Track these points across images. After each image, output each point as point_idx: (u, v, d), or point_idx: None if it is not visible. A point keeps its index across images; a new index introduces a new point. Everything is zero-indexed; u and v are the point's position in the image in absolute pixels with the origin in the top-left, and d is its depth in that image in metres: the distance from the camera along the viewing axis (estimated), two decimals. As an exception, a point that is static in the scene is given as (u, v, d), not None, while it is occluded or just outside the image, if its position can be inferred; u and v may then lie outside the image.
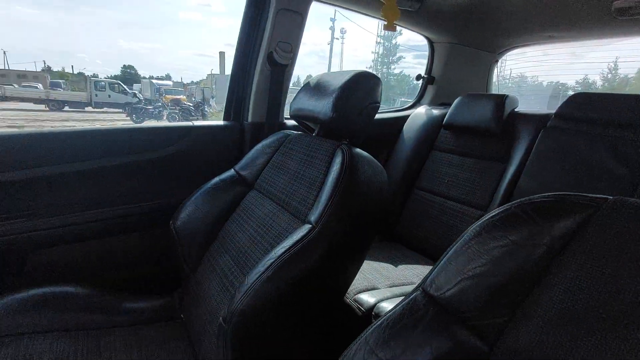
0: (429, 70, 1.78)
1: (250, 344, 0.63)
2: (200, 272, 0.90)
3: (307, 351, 0.70)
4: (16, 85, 16.11)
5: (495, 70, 1.83)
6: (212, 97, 16.43)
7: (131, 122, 11.60)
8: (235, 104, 1.27)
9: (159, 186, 1.13)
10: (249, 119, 1.25)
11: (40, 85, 17.19)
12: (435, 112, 1.51)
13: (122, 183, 1.07)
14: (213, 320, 0.77)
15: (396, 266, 1.17)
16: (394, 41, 26.20)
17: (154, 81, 18.67)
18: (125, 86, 15.55)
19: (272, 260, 0.62)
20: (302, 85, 1.01)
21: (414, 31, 1.61)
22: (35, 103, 13.88)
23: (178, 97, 14.88)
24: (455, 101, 1.40)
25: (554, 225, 0.34)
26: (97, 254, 1.08)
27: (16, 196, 0.92)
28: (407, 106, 1.85)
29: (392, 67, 27.51)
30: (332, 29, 23.16)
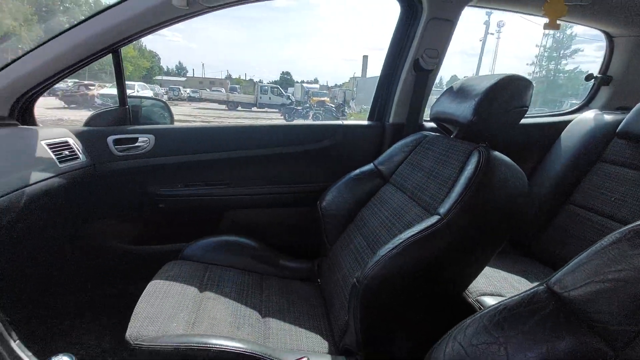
0: (604, 68, 1.51)
1: (378, 310, 0.73)
2: (337, 246, 1.08)
3: (431, 339, 0.76)
4: (208, 90, 21.06)
5: None
6: (352, 99, 17.32)
7: (284, 121, 13.43)
8: (379, 105, 1.42)
9: (312, 172, 1.37)
10: (390, 120, 1.38)
11: (223, 90, 21.99)
12: (608, 117, 1.29)
13: (286, 167, 1.36)
14: (345, 286, 0.93)
15: (531, 281, 1.09)
16: (568, 31, 21.58)
17: (304, 85, 20.93)
18: (282, 90, 18.11)
19: (401, 241, 0.71)
20: (445, 88, 1.05)
21: (586, 26, 1.40)
22: (219, 104, 17.87)
23: (322, 99, 16.35)
24: (639, 105, 1.17)
25: None
26: (264, 219, 1.41)
27: (222, 169, 1.30)
28: (568, 110, 1.62)
29: (564, 62, 22.91)
30: (487, 23, 20.95)
